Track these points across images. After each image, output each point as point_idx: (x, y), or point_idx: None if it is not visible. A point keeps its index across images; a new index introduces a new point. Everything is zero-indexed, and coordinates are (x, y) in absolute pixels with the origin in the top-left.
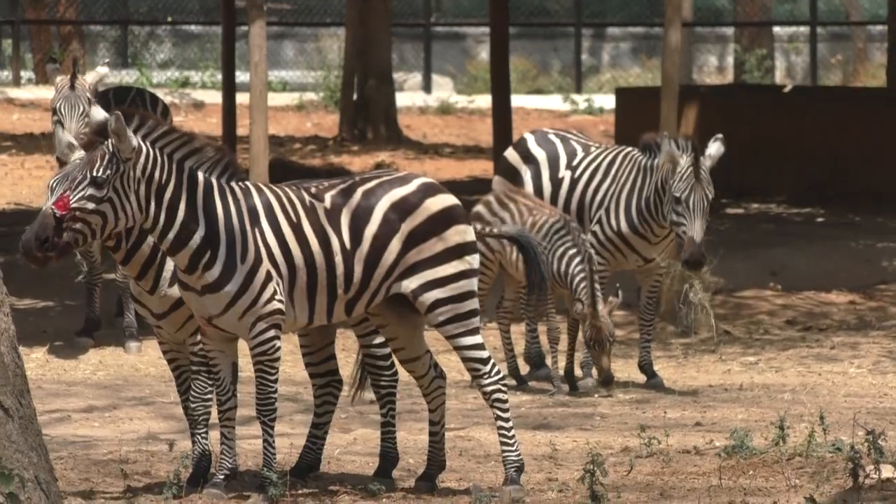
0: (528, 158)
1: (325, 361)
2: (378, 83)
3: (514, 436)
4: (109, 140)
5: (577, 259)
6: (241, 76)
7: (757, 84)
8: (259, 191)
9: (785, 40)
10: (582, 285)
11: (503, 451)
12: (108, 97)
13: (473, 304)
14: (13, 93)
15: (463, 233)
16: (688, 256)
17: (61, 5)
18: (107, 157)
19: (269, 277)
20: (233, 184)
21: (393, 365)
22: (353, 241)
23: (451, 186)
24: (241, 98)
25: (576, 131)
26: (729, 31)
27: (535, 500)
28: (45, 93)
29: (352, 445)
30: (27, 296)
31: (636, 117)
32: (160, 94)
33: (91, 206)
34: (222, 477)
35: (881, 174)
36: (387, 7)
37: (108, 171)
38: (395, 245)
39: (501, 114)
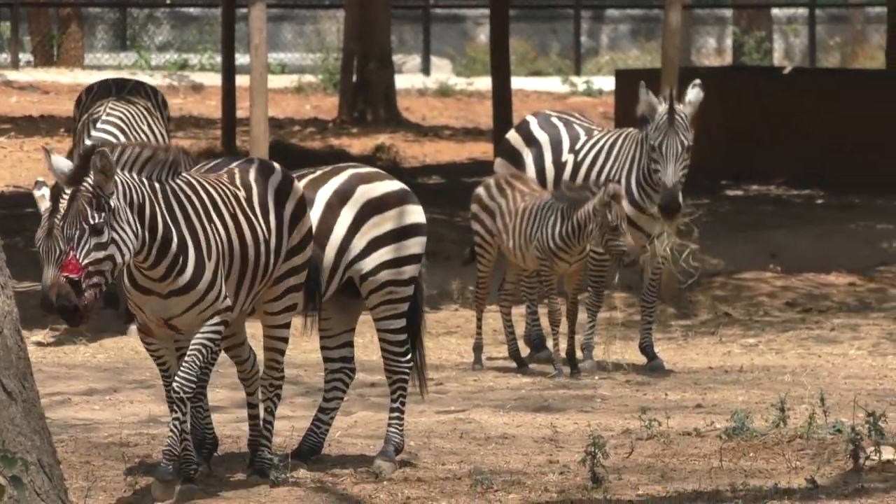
0: (531, 141)
1: (340, 347)
2: (377, 65)
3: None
4: (86, 182)
5: (569, 210)
6: (240, 58)
7: (756, 66)
8: (202, 185)
9: (783, 22)
10: (590, 227)
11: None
12: (109, 85)
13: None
14: (11, 75)
15: (309, 222)
16: (660, 201)
17: None
18: (94, 200)
19: (222, 272)
20: (180, 181)
21: (408, 352)
22: (264, 230)
23: (450, 169)
24: (240, 80)
25: (577, 114)
26: (727, 12)
27: (536, 482)
28: (44, 75)
29: (353, 428)
30: (27, 279)
31: (636, 99)
32: (159, 76)
33: (101, 255)
34: (169, 464)
35: (881, 156)
36: None
37: (102, 213)
38: (285, 232)
39: (501, 96)
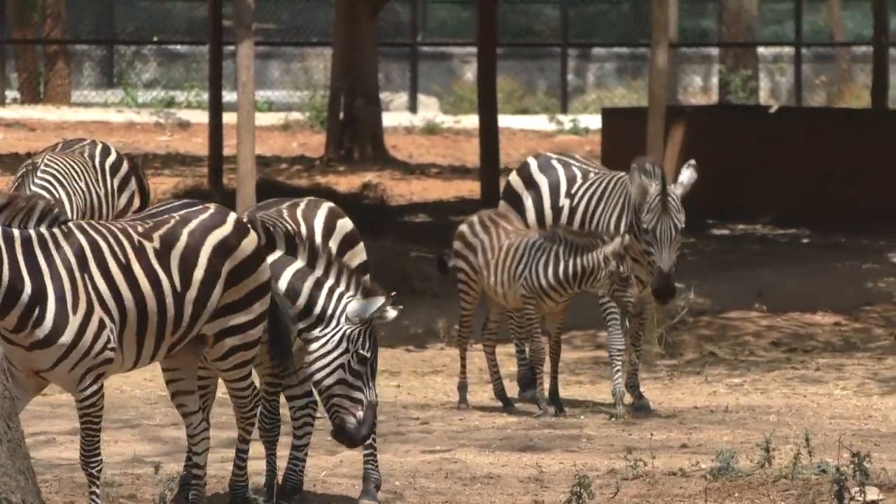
0: (531, 184)
1: (303, 382)
2: (364, 103)
3: (246, 470)
4: None
5: (562, 250)
6: (228, 96)
7: (742, 104)
8: (84, 233)
9: (770, 61)
10: (587, 257)
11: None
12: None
13: (257, 349)
14: None
15: (266, 272)
16: (655, 287)
17: (47, 24)
18: None
19: (101, 326)
20: (54, 230)
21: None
22: (182, 283)
23: (437, 207)
24: (227, 118)
25: (577, 156)
26: (714, 51)
27: None
28: (31, 112)
29: (338, 468)
30: None
31: (622, 137)
32: (146, 113)
33: None
34: None
35: (866, 195)
36: (373, 26)
37: None
38: (218, 288)
39: (488, 134)
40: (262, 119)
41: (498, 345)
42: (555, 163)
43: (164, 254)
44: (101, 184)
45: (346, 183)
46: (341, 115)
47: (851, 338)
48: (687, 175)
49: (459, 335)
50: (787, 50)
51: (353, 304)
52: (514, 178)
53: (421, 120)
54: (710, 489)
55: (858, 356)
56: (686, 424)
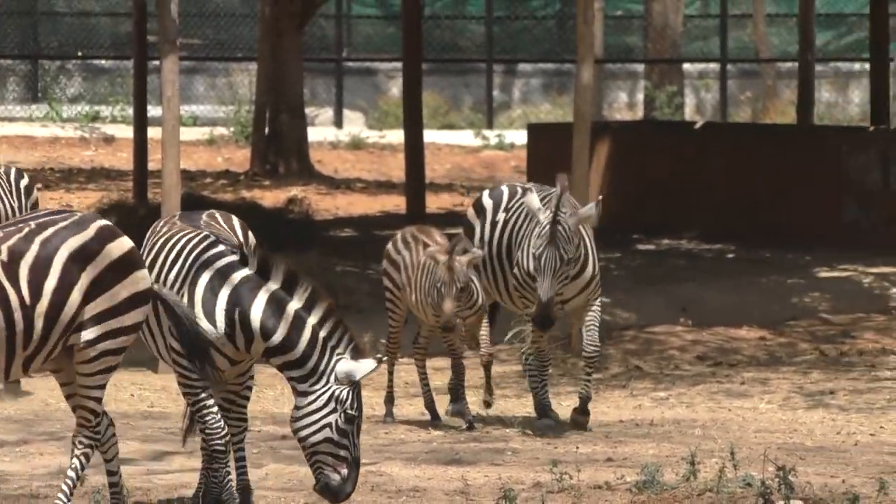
0: (480, 211)
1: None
2: (289, 118)
3: (74, 490)
4: None
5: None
6: (153, 111)
7: (668, 120)
8: None
9: (695, 77)
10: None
11: (58, 498)
12: None
13: (120, 358)
14: None
15: (143, 280)
16: (534, 315)
17: None
18: None
19: None
20: None
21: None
22: (32, 295)
23: (363, 221)
24: (152, 133)
25: (538, 185)
26: (639, 67)
27: None
28: None
29: (263, 481)
30: None
31: (548, 153)
32: (70, 128)
33: None
34: None
35: (791, 211)
36: (298, 42)
37: None
38: (75, 296)
39: (413, 149)
40: (187, 134)
41: (428, 359)
42: (503, 187)
43: (11, 265)
44: (14, 197)
45: (271, 197)
46: (266, 130)
47: (777, 352)
48: (587, 209)
49: (388, 350)
50: (713, 66)
51: (343, 365)
52: (469, 212)
53: (346, 135)
54: (636, 502)
55: (784, 370)
56: (611, 438)
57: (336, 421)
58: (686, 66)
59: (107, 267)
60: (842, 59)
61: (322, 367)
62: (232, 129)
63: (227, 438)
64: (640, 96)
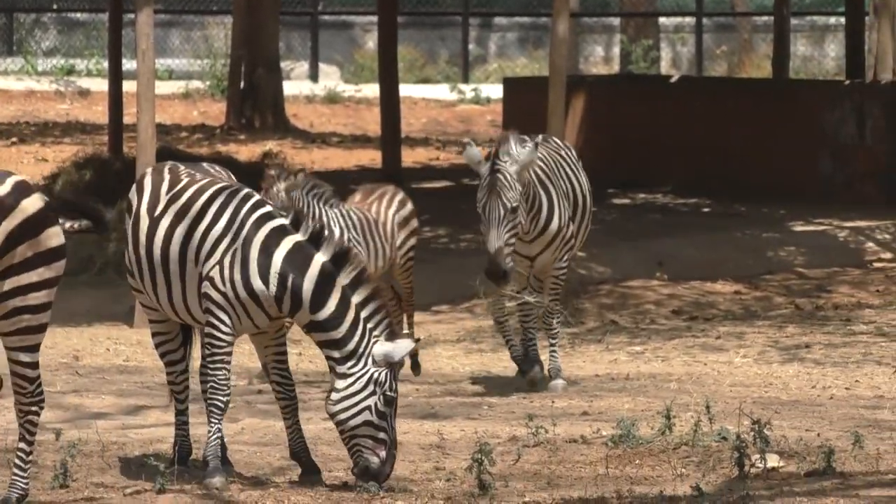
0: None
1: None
2: (265, 71)
3: (30, 462)
4: None
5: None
6: (127, 64)
7: (643, 74)
8: None
9: (671, 31)
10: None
11: (14, 474)
12: None
13: (46, 317)
14: None
15: (56, 236)
16: (485, 268)
17: None
18: None
19: None
20: None
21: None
22: None
23: (338, 176)
24: (128, 86)
25: (549, 138)
26: (615, 21)
27: (422, 489)
28: None
29: (239, 435)
30: None
31: (523, 107)
32: (45, 81)
33: None
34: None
35: (767, 165)
36: None
37: None
38: None
39: (389, 103)
40: (163, 87)
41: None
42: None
43: None
44: None
45: (246, 152)
46: (242, 84)
47: (752, 306)
48: (525, 152)
49: None
50: (689, 20)
51: (380, 347)
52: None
53: (322, 89)
54: (611, 456)
55: (759, 324)
56: (587, 392)
57: (375, 404)
58: (662, 19)
59: (21, 222)
60: (817, 13)
61: (361, 350)
62: (207, 82)
63: (229, 399)
64: (616, 50)
